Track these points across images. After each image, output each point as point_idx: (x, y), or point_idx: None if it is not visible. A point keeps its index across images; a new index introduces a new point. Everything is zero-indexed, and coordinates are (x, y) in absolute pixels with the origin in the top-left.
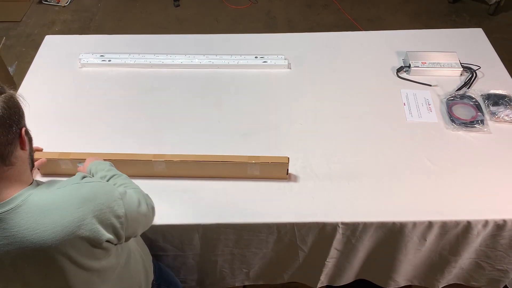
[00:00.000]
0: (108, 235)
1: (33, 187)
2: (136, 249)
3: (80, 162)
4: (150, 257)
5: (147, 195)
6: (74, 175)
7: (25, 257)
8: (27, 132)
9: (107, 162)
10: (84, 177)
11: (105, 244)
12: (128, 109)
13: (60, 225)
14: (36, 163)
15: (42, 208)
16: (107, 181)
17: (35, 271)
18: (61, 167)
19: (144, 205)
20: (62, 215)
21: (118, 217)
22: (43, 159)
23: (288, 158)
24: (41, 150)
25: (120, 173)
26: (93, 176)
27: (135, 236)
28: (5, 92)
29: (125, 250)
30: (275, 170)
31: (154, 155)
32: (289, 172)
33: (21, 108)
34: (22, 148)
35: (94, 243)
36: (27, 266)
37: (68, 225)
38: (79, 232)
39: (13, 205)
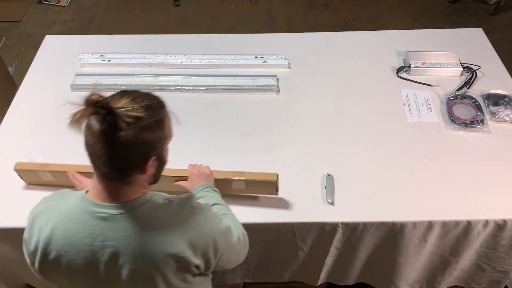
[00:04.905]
0: (198, 261)
1: (150, 196)
2: None
3: None
4: None
5: (245, 233)
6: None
7: (124, 262)
8: (158, 157)
9: (211, 185)
10: (197, 199)
11: (193, 269)
12: None
13: (165, 242)
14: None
15: (155, 220)
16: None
17: (128, 279)
18: (42, 178)
19: (241, 244)
20: (170, 233)
21: (215, 251)
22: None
23: (278, 174)
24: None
25: (222, 202)
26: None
27: (221, 269)
28: (148, 120)
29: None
30: (263, 187)
31: None
32: (279, 189)
33: (158, 137)
34: (142, 173)
35: (186, 265)
36: (123, 271)
37: (171, 244)
38: (179, 252)
39: (132, 206)
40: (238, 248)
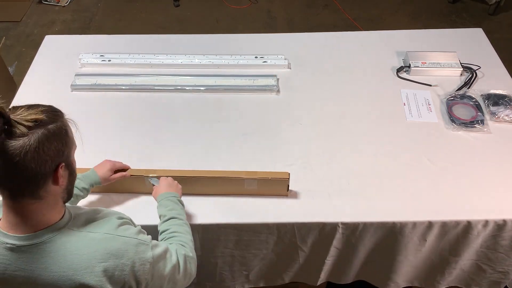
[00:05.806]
0: None
1: (64, 223)
2: None
3: (153, 178)
4: None
5: (191, 257)
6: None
7: None
8: (68, 166)
9: (176, 196)
10: (122, 224)
11: None
12: (129, 109)
13: (78, 274)
14: (117, 175)
15: (66, 252)
16: (164, 222)
17: None
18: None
19: (180, 272)
20: (82, 264)
21: (138, 282)
22: (126, 174)
23: (289, 173)
24: (127, 168)
25: (181, 216)
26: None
27: None
28: (51, 124)
29: None
30: (275, 186)
31: (146, 171)
32: (289, 180)
33: (65, 142)
34: (55, 183)
35: None
36: None
37: (85, 275)
38: (93, 284)
39: (39, 240)
40: (173, 275)
